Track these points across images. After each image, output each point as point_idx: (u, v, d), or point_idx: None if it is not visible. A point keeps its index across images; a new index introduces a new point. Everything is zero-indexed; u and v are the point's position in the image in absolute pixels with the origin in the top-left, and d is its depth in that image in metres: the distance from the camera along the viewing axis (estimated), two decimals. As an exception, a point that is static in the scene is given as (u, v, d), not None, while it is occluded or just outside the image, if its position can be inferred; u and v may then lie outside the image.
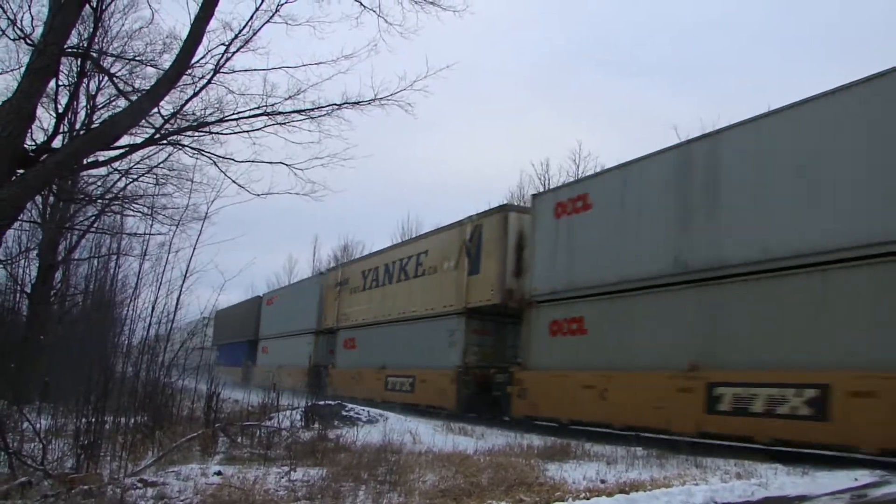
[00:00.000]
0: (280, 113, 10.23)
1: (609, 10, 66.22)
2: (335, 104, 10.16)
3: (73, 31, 9.12)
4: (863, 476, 7.98)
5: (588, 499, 6.78)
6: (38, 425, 7.99)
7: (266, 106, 10.22)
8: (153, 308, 10.87)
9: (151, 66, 12.15)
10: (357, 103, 10.18)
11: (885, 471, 8.24)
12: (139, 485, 6.61)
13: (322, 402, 13.86)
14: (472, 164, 62.43)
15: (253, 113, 10.23)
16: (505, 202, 20.57)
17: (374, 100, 10.15)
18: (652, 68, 57.46)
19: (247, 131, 10.36)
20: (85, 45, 10.02)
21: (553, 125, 59.26)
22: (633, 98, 56.38)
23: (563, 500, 6.69)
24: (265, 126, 10.34)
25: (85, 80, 13.05)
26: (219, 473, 7.47)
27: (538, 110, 63.58)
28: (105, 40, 13.11)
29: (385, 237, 55.51)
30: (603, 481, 7.82)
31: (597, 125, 57.08)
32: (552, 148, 70.92)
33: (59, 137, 10.17)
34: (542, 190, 22.66)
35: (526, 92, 67.04)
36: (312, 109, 10.20)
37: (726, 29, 57.80)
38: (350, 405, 13.87)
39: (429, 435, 11.60)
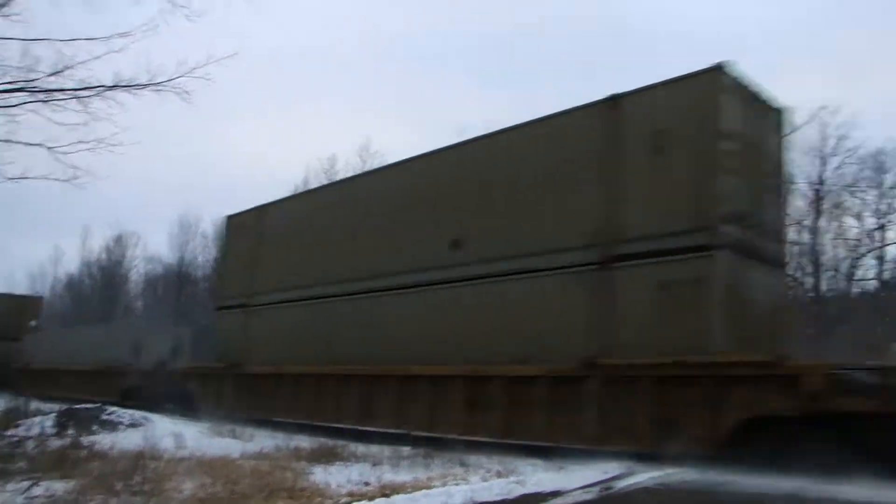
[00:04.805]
0: (43, 90, 9.38)
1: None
2: (105, 85, 9.50)
3: None
4: (612, 469, 8.49)
5: (349, 503, 6.96)
6: None
7: (25, 80, 9.34)
8: None
9: None
10: (129, 86, 9.61)
11: (634, 462, 8.81)
12: None
13: (80, 406, 12.81)
14: (262, 155, 61.21)
15: (8, 87, 9.30)
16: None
17: (148, 84, 9.59)
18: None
19: (1, 107, 9.39)
20: None
21: (344, 116, 59.80)
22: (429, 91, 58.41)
23: (322, 506, 6.78)
24: (24, 103, 9.44)
25: None
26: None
27: (330, 100, 63.72)
28: None
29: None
30: (366, 483, 7.84)
31: (389, 117, 58.35)
32: (344, 140, 71.11)
33: None
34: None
35: (324, 81, 66.71)
36: (80, 89, 9.43)
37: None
38: (111, 408, 12.94)
39: (195, 438, 11.18)
